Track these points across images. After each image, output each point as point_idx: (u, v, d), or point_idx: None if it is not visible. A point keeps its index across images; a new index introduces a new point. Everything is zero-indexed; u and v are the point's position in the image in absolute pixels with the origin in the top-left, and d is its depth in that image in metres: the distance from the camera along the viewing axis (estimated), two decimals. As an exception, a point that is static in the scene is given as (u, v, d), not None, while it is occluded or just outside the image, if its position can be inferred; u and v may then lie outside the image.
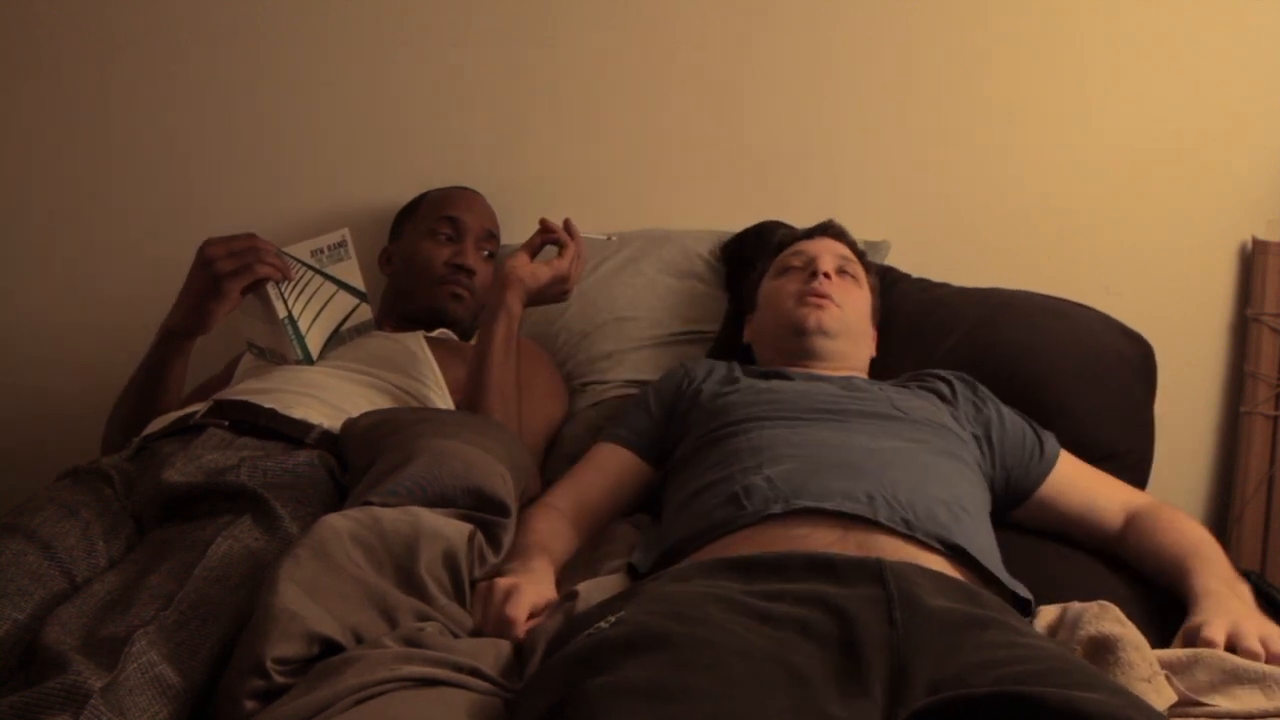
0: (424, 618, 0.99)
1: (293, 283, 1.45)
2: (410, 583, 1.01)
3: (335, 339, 1.55)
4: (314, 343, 1.50)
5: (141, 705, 0.87)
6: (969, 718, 0.74)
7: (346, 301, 1.54)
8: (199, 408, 1.38)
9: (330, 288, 1.51)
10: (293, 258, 1.45)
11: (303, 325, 1.48)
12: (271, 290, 1.43)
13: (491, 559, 1.12)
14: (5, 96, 1.94)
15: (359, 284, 1.55)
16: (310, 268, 1.47)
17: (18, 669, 0.93)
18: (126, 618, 0.95)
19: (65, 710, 0.83)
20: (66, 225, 1.97)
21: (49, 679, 0.86)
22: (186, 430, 1.32)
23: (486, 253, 1.75)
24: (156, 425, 1.37)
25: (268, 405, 1.35)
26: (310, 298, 1.49)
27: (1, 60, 1.94)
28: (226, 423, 1.32)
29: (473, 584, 1.09)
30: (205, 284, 1.37)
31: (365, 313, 1.57)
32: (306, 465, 1.25)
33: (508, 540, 1.15)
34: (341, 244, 1.50)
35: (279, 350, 1.49)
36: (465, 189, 1.82)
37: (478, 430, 1.26)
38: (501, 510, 1.15)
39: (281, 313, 1.45)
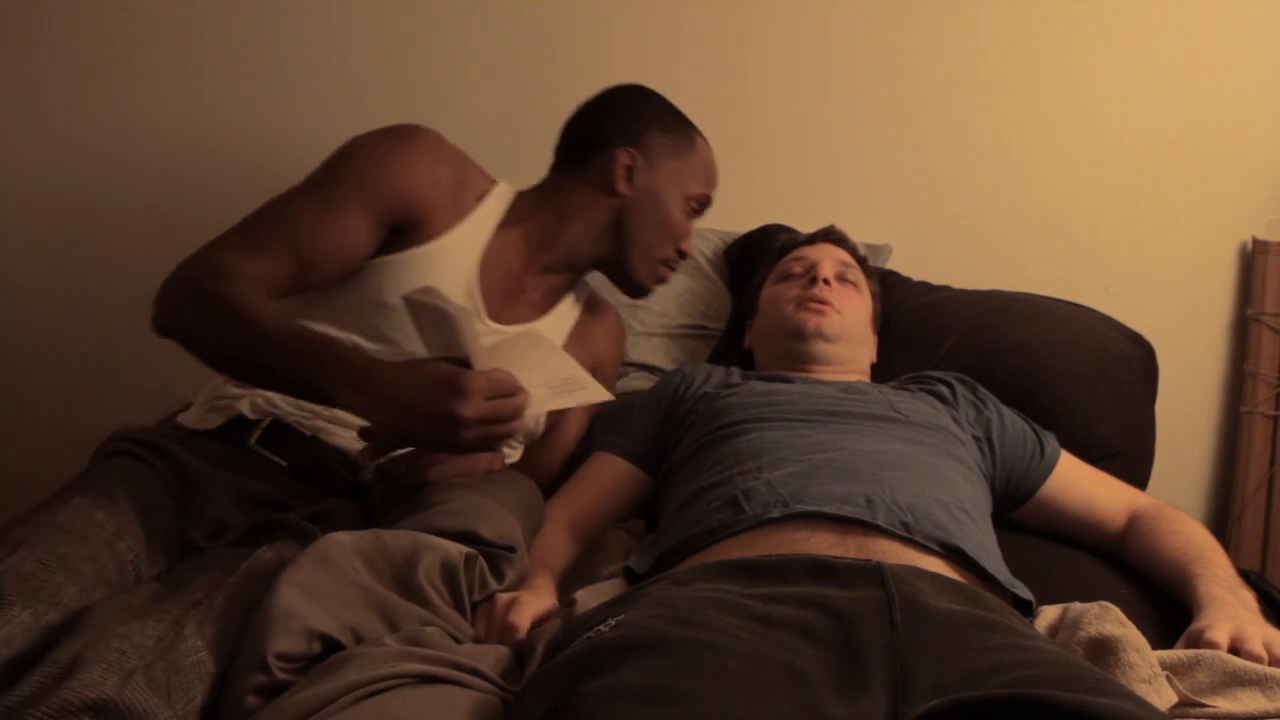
0: (425, 623, 0.99)
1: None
2: (410, 590, 1.01)
3: None
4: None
5: (183, 686, 0.88)
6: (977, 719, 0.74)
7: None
8: (261, 421, 1.28)
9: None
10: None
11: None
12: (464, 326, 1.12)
13: (493, 585, 1.10)
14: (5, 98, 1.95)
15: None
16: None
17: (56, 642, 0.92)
18: (174, 602, 0.96)
19: (107, 679, 0.83)
20: (67, 222, 1.98)
21: (91, 653, 0.86)
22: (236, 439, 1.26)
23: None
24: (210, 421, 1.29)
25: (333, 444, 1.28)
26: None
27: (2, 58, 1.94)
28: (284, 463, 1.26)
29: (474, 606, 1.08)
30: (440, 437, 1.10)
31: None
32: (344, 511, 1.23)
33: (511, 574, 1.12)
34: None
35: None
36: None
37: (495, 482, 1.25)
38: (503, 548, 1.13)
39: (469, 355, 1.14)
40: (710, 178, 1.55)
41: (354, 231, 1.28)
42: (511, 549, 1.13)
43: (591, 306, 1.57)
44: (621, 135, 1.47)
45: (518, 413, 1.11)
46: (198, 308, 1.18)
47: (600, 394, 1.20)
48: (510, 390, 1.10)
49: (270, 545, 1.07)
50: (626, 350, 1.72)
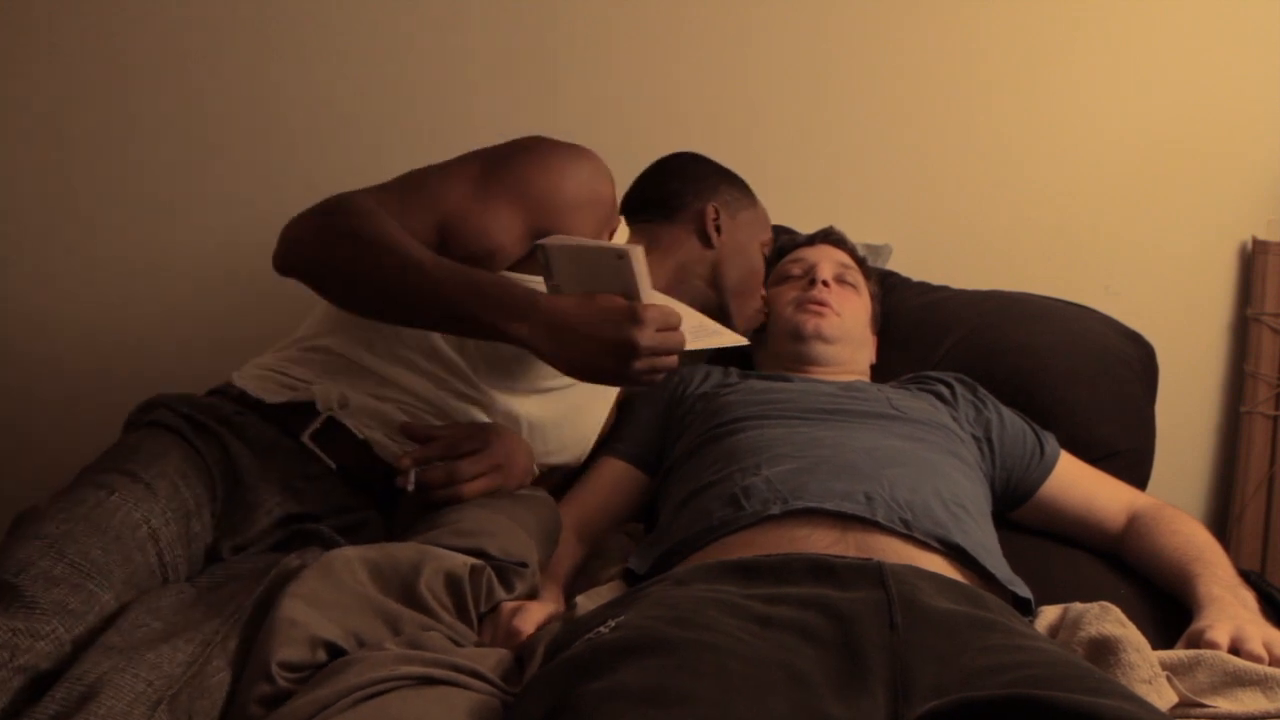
0: (427, 629, 0.99)
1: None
2: (413, 599, 1.01)
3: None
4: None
5: (205, 709, 0.88)
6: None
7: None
8: (327, 406, 1.24)
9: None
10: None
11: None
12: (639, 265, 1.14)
13: (501, 595, 1.10)
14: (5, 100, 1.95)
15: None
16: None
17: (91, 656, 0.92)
18: (205, 614, 0.95)
19: (134, 711, 0.83)
20: (66, 221, 1.98)
21: (122, 677, 0.86)
22: (290, 426, 1.23)
23: None
24: (270, 394, 1.26)
25: (383, 455, 1.25)
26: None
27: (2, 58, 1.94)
28: (334, 466, 1.24)
29: (481, 617, 1.08)
30: (611, 366, 1.12)
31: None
32: (369, 526, 1.23)
33: (521, 587, 1.12)
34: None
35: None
36: None
37: (515, 501, 1.24)
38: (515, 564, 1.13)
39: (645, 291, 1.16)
40: (769, 224, 1.61)
41: (503, 233, 1.26)
42: (523, 564, 1.13)
43: None
44: (698, 193, 1.53)
45: (681, 346, 1.14)
46: (341, 240, 1.16)
47: (737, 339, 1.26)
48: (676, 324, 1.14)
49: (298, 554, 1.06)
50: None
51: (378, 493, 1.26)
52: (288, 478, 1.20)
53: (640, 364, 1.11)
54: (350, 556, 1.01)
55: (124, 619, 0.94)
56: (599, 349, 1.11)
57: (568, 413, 1.39)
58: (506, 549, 1.12)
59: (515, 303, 1.12)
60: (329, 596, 0.96)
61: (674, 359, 1.14)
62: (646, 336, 1.10)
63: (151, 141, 1.94)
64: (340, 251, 1.16)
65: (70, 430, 1.63)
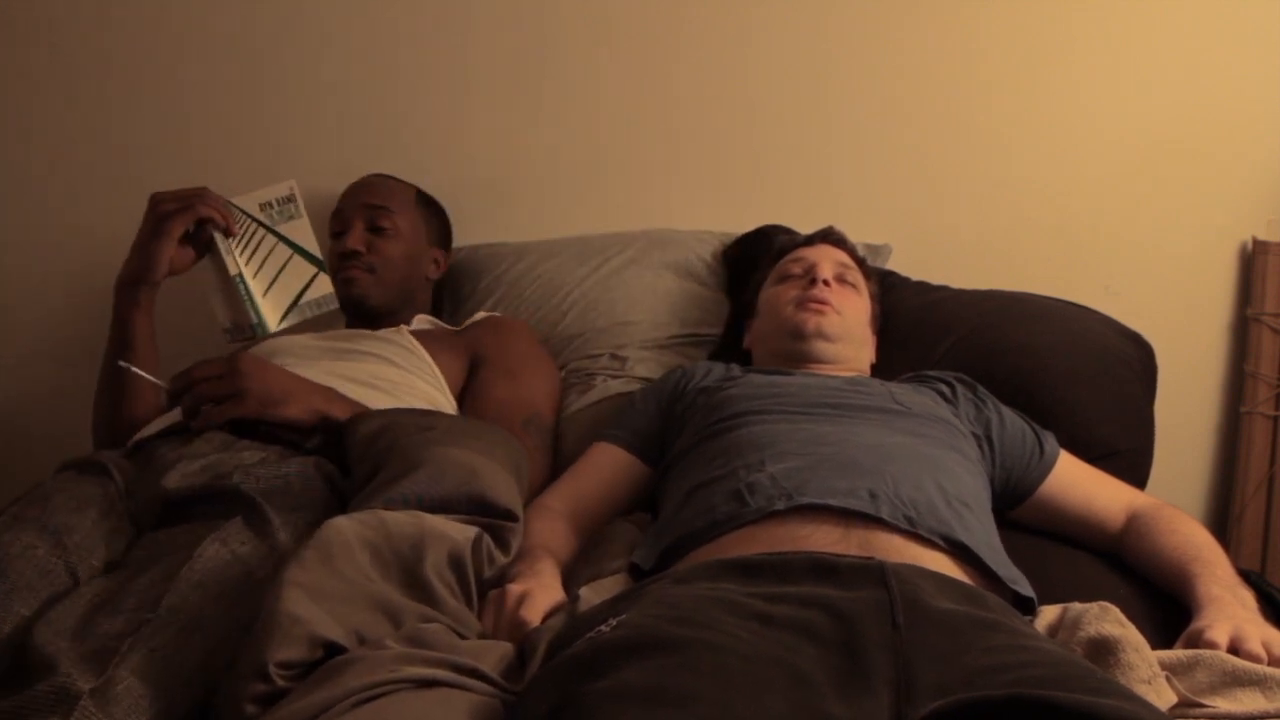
0: (429, 620, 0.98)
1: (239, 238, 1.41)
2: (416, 585, 1.00)
3: (295, 310, 1.46)
4: (270, 311, 1.43)
5: (119, 714, 0.87)
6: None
7: (303, 269, 1.46)
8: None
9: (284, 251, 1.45)
10: (240, 210, 1.41)
11: (256, 289, 1.41)
12: (221, 245, 1.40)
13: (501, 560, 1.12)
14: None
15: (314, 248, 1.47)
16: (260, 223, 1.42)
17: (10, 671, 0.92)
18: (113, 621, 0.94)
19: (54, 713, 0.83)
20: (60, 220, 1.98)
21: (39, 681, 0.86)
22: (185, 430, 1.31)
23: (375, 227, 1.70)
24: (154, 427, 1.35)
25: (285, 418, 1.31)
26: (264, 261, 1.43)
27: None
28: (227, 428, 1.29)
29: (482, 585, 1.09)
30: (149, 226, 1.39)
31: (325, 284, 1.48)
32: (299, 473, 1.21)
33: (516, 543, 1.15)
34: (290, 199, 1.44)
35: (238, 320, 1.42)
36: (363, 179, 1.78)
37: (478, 436, 1.26)
38: (507, 515, 1.14)
39: (233, 270, 1.40)
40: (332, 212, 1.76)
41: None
42: (514, 516, 1.14)
43: (446, 327, 1.73)
44: None
45: (202, 188, 1.40)
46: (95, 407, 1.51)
47: (282, 187, 1.46)
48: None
49: (216, 535, 1.04)
50: (615, 370, 1.73)
51: (318, 447, 1.29)
52: (186, 455, 1.24)
53: (164, 206, 1.38)
54: (349, 538, 0.99)
55: (40, 629, 0.93)
56: (140, 232, 1.41)
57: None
58: (498, 491, 1.14)
59: (122, 270, 1.46)
60: (330, 586, 0.94)
61: (203, 191, 1.39)
62: (156, 194, 1.41)
63: (153, 142, 1.94)
64: (99, 395, 1.50)
65: (70, 428, 1.63)
